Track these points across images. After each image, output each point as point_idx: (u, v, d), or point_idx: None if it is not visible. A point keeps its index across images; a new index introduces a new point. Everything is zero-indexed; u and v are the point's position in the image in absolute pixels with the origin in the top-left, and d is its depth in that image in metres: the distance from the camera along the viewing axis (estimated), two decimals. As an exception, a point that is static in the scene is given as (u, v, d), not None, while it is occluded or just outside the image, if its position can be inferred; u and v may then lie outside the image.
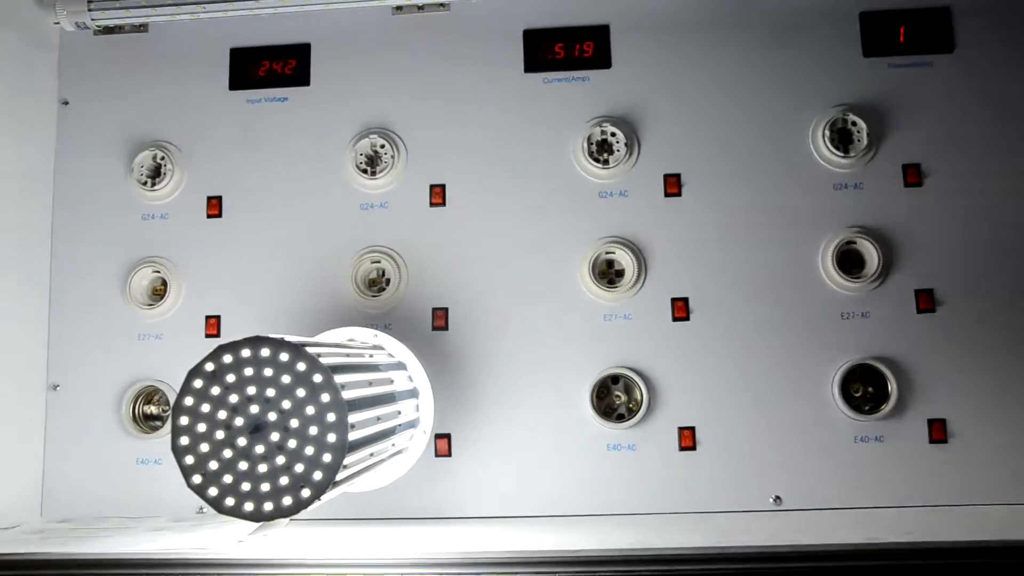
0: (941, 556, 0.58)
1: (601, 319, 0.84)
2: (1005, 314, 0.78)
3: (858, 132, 0.85)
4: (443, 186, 0.87)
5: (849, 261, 0.85)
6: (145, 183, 0.93)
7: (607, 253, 0.85)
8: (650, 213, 0.85)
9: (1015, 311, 0.78)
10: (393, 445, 0.74)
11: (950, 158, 0.84)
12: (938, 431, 0.79)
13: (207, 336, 0.88)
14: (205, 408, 0.62)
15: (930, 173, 0.84)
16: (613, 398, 0.84)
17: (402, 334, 0.82)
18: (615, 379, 0.84)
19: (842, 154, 0.84)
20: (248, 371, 0.62)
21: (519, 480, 0.82)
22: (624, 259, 0.85)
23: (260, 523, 0.65)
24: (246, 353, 0.62)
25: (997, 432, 0.78)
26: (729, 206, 0.85)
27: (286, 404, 0.61)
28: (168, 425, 0.90)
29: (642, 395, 0.83)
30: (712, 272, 0.83)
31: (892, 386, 0.80)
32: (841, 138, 0.84)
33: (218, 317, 0.90)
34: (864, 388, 0.82)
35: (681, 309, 0.84)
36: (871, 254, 0.84)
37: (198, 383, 0.62)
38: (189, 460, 0.62)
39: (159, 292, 0.93)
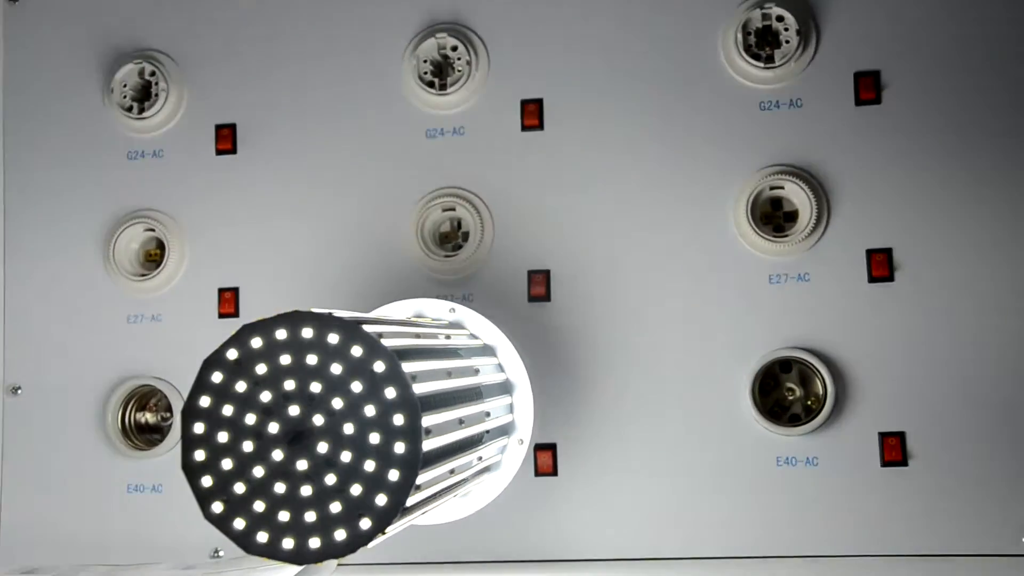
0: None
1: (765, 282, 0.83)
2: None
3: None
4: (539, 103, 0.87)
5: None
6: (130, 108, 0.92)
7: (773, 189, 0.84)
8: (834, 130, 0.83)
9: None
10: (480, 459, 0.75)
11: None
12: None
13: (221, 316, 0.89)
14: (228, 411, 0.61)
15: None
16: (784, 393, 0.83)
17: (488, 308, 0.82)
18: (786, 366, 0.83)
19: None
20: (285, 359, 0.60)
21: (651, 508, 0.82)
22: (797, 196, 0.84)
23: (303, 566, 0.66)
24: (282, 335, 0.60)
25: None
26: (953, 117, 0.82)
27: (337, 403, 0.59)
28: (172, 437, 0.90)
29: (825, 388, 0.81)
30: (925, 213, 0.81)
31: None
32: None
33: (235, 290, 0.90)
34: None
35: (881, 265, 0.82)
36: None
37: (217, 377, 0.61)
38: (207, 482, 0.60)
39: (154, 258, 0.93)
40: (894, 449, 0.81)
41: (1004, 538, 0.79)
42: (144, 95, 0.92)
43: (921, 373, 0.82)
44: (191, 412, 0.61)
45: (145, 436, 0.92)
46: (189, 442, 0.61)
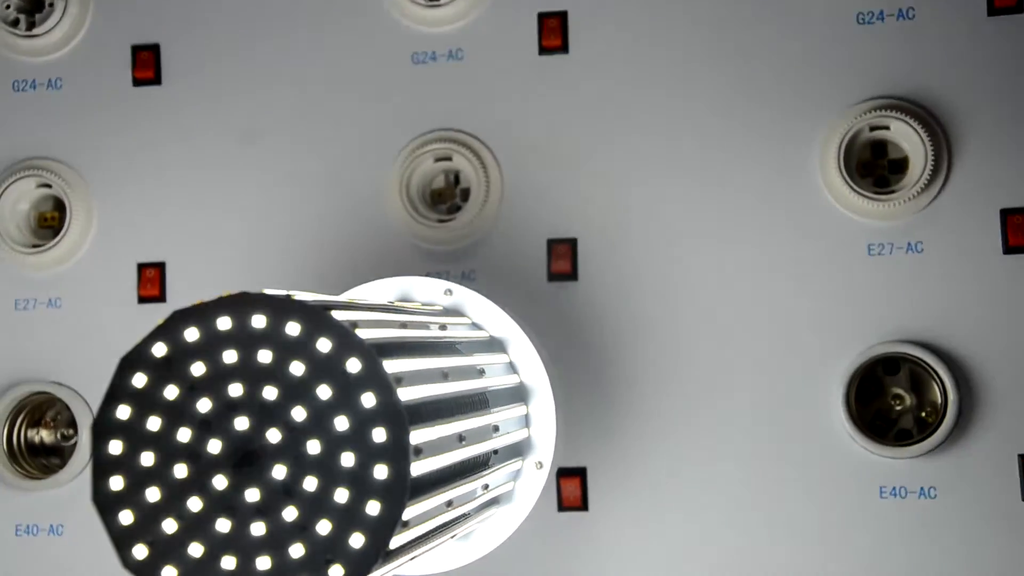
0: None
1: (863, 253, 0.84)
2: None
3: None
4: (562, 16, 0.88)
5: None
6: (15, 22, 0.93)
7: (874, 130, 0.84)
8: (959, 50, 0.84)
9: None
10: (486, 488, 0.76)
11: None
12: None
13: (142, 300, 0.91)
14: (153, 425, 0.61)
15: None
16: (889, 401, 0.84)
17: (496, 289, 0.84)
18: (892, 366, 0.84)
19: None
20: (229, 357, 0.61)
21: (711, 555, 0.84)
22: (907, 140, 0.84)
23: None
24: (225, 324, 0.61)
25: None
26: None
27: (298, 414, 0.60)
28: (77, 460, 0.91)
29: (945, 395, 0.82)
30: None
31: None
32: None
33: (160, 266, 0.91)
34: None
35: (1020, 230, 0.83)
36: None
37: (140, 381, 0.61)
38: (126, 518, 0.61)
39: (51, 223, 0.95)
40: None
41: None
42: (35, 5, 0.93)
43: None
44: (104, 427, 0.62)
45: (40, 460, 0.93)
46: (102, 466, 0.61)
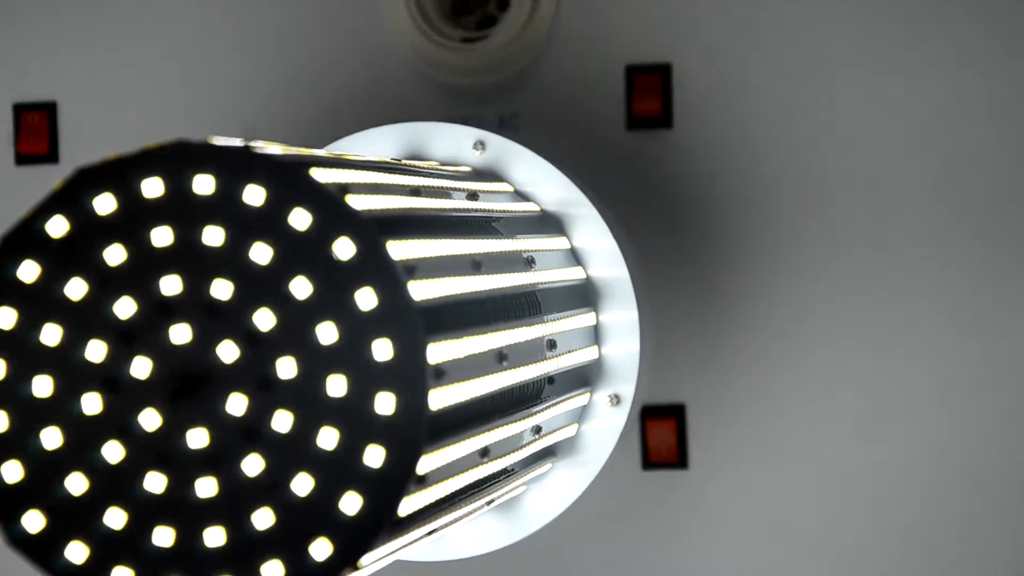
0: None
1: None
2: None
3: None
4: None
5: None
6: None
7: None
8: None
9: None
10: (538, 431, 0.77)
11: None
12: None
13: (22, 159, 0.92)
14: (49, 337, 0.62)
15: None
16: None
17: (551, 140, 0.85)
18: None
19: None
20: (161, 237, 0.61)
21: (865, 531, 0.86)
22: None
23: None
24: (154, 188, 0.61)
25: None
26: None
27: (264, 321, 0.60)
28: None
29: None
30: None
31: None
32: None
33: (50, 107, 0.92)
34: None
35: None
36: None
37: (28, 272, 0.62)
38: (10, 474, 0.62)
39: None
40: None
41: None
42: None
43: None
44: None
45: None
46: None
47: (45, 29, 0.92)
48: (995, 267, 0.86)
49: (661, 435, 0.87)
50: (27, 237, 0.63)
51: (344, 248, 0.61)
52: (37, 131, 0.91)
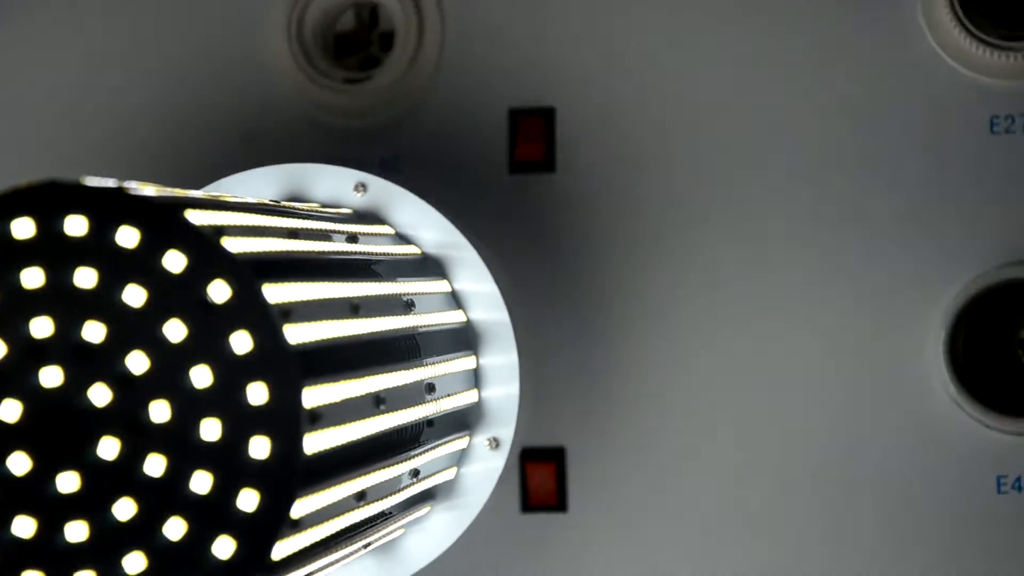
0: None
1: (984, 130, 0.85)
2: None
3: None
4: None
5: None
6: None
7: None
8: None
9: None
10: (416, 474, 0.78)
11: None
12: None
13: None
14: None
15: None
16: (1018, 351, 0.86)
17: (433, 183, 0.85)
18: (1018, 299, 0.84)
19: None
20: (31, 278, 0.61)
21: (743, 564, 0.86)
22: None
23: None
24: (24, 229, 0.61)
25: None
26: None
27: (138, 364, 0.60)
28: None
29: None
30: None
31: None
32: None
33: None
34: None
35: None
36: None
37: None
38: None
39: None
40: None
41: None
42: None
43: None
44: None
45: None
46: None
47: None
48: (870, 308, 0.87)
49: (540, 478, 0.87)
50: None
51: (219, 291, 0.61)
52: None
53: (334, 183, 0.82)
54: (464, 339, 0.82)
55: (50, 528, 0.61)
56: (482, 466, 0.82)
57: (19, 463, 0.61)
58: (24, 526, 0.61)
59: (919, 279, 0.86)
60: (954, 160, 0.86)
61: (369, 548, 0.77)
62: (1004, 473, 0.85)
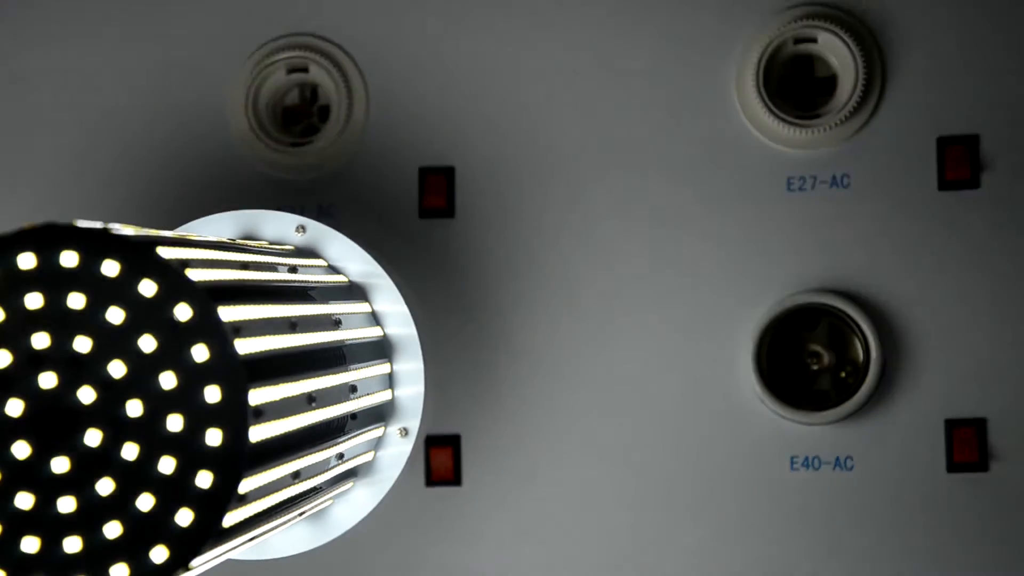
0: None
1: (781, 187, 0.85)
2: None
3: None
4: None
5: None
6: None
7: (799, 42, 0.85)
8: None
9: None
10: (341, 457, 0.77)
11: None
12: None
13: None
14: None
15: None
16: (807, 360, 0.85)
17: (359, 225, 0.85)
18: (811, 318, 0.85)
19: None
20: (33, 301, 0.60)
21: (599, 532, 0.86)
22: (836, 54, 0.85)
23: None
24: (27, 262, 0.60)
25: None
26: None
27: (116, 369, 0.60)
28: None
29: (868, 354, 0.84)
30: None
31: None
32: None
33: None
34: None
35: (960, 163, 0.84)
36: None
37: None
38: None
39: None
40: (968, 445, 0.84)
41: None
42: None
43: (1014, 335, 0.84)
44: None
45: None
46: None
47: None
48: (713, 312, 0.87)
49: (440, 459, 0.86)
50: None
51: (183, 312, 0.60)
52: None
53: (279, 225, 0.81)
54: (381, 350, 0.81)
55: (46, 501, 0.60)
56: (394, 450, 0.81)
57: (21, 449, 0.60)
58: (24, 500, 0.60)
59: (733, 305, 0.86)
60: (759, 211, 0.86)
61: (303, 516, 0.77)
62: (796, 454, 0.85)
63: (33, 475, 0.60)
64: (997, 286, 0.85)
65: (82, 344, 0.60)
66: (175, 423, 0.60)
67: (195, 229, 0.80)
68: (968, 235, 0.85)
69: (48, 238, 0.61)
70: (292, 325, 0.71)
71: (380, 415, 0.81)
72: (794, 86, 0.87)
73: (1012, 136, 0.85)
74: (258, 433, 0.62)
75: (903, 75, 0.86)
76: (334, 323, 0.77)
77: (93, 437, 0.60)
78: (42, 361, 0.60)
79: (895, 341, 0.85)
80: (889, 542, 0.85)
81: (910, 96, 0.86)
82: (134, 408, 0.60)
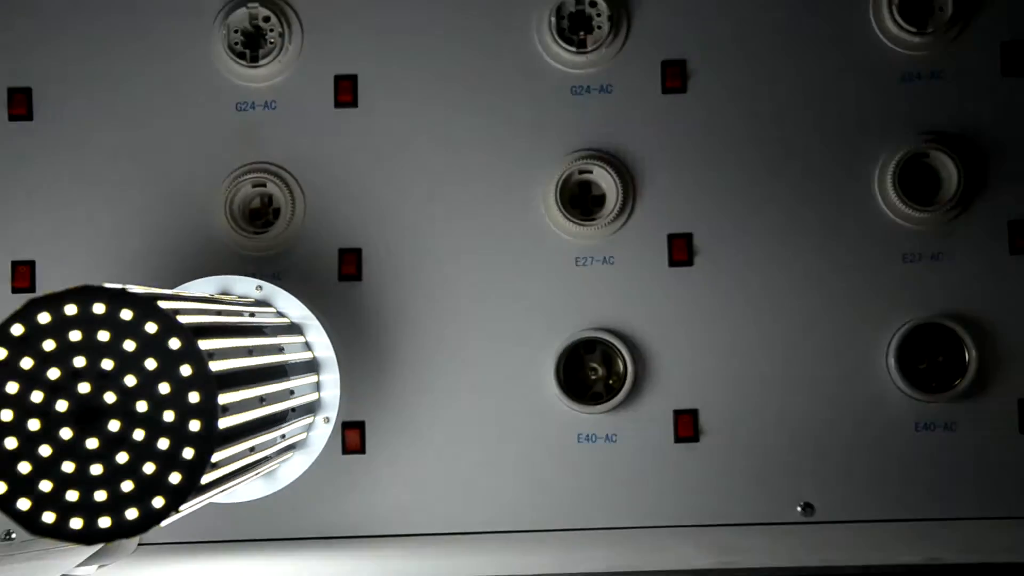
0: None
1: (572, 264, 0.85)
2: None
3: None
4: (353, 78, 0.86)
5: (918, 182, 0.85)
6: None
7: (582, 173, 0.85)
8: (642, 116, 0.85)
9: None
10: (283, 437, 0.75)
11: None
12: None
13: (15, 290, 0.87)
14: (12, 388, 0.59)
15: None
16: (588, 372, 0.85)
17: (298, 286, 0.82)
18: (590, 346, 0.84)
19: (915, 30, 0.84)
20: (75, 335, 0.59)
21: (459, 484, 0.83)
22: (605, 181, 0.85)
23: (95, 547, 0.65)
24: (71, 310, 0.59)
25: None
26: (751, 106, 0.86)
27: (130, 380, 0.59)
28: None
29: (626, 367, 0.83)
30: (723, 200, 0.84)
31: (971, 355, 0.82)
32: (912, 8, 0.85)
33: (31, 264, 0.87)
34: (932, 358, 0.84)
35: (681, 250, 0.84)
36: (949, 172, 0.84)
37: (1, 353, 0.59)
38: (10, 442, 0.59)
39: None
40: (687, 426, 0.85)
41: (784, 507, 0.84)
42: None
43: (715, 353, 0.84)
44: (-30, 393, 0.59)
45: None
46: (-31, 425, 0.59)
47: (23, 215, 0.88)
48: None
49: (352, 437, 0.85)
50: (1, 335, 0.60)
51: (175, 343, 0.60)
52: (23, 276, 0.86)
53: (244, 286, 0.81)
54: (311, 366, 0.81)
55: (83, 467, 0.59)
56: (320, 432, 0.81)
57: (66, 432, 0.59)
58: (68, 466, 0.59)
59: (542, 337, 0.85)
60: (556, 279, 0.86)
61: (257, 475, 0.76)
62: (581, 432, 0.85)
63: (74, 450, 0.60)
64: (705, 326, 0.87)
65: (107, 364, 0.60)
66: (169, 416, 0.59)
67: (188, 288, 0.80)
68: (687, 297, 0.86)
69: (85, 294, 0.60)
70: (249, 351, 0.71)
71: (311, 409, 0.81)
72: (578, 200, 0.88)
73: (720, 232, 0.87)
74: (225, 423, 0.62)
75: (647, 195, 0.87)
76: (279, 349, 0.77)
77: (114, 425, 0.59)
78: (80, 375, 0.60)
79: (643, 361, 0.86)
80: (638, 483, 0.86)
81: (651, 208, 0.87)
82: (141, 406, 0.59)
